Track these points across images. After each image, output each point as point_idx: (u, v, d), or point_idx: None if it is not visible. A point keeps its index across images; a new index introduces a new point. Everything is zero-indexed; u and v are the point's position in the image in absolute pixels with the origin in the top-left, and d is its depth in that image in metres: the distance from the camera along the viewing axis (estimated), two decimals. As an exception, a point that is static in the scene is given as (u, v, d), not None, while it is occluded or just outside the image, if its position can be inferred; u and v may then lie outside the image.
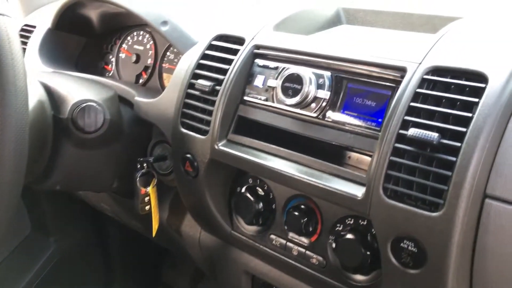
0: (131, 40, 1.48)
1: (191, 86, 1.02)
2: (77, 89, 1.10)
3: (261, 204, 0.96)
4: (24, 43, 1.48)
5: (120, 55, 1.50)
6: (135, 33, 1.47)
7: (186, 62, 1.07)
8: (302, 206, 0.91)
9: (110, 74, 1.51)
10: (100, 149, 1.14)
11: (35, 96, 1.04)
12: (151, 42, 1.42)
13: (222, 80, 0.97)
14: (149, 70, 1.40)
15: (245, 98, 0.96)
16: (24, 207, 1.77)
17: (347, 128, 0.82)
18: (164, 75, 1.38)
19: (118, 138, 1.15)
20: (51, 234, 1.79)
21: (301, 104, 0.86)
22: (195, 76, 1.02)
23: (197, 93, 1.00)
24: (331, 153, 0.86)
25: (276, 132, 0.91)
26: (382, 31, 1.00)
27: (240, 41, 0.99)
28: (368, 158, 0.80)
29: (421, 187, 0.70)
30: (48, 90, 1.09)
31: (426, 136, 0.69)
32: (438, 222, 0.68)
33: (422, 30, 0.96)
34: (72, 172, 1.13)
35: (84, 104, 1.04)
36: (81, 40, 1.53)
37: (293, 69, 0.88)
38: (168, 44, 1.37)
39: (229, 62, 0.98)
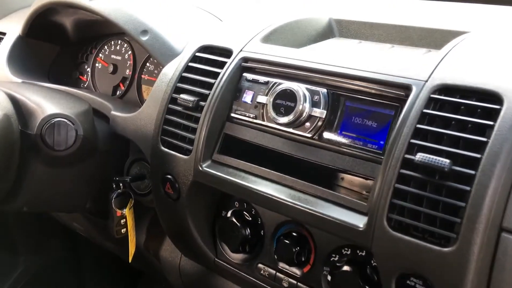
0: (108, 50, 1.39)
1: (172, 101, 0.94)
2: (47, 102, 1.01)
3: (248, 230, 0.88)
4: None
5: (96, 65, 1.41)
6: (112, 42, 1.39)
7: (168, 75, 0.99)
8: (294, 234, 0.83)
9: (85, 85, 1.42)
10: (72, 167, 1.05)
11: (0, 109, 0.95)
12: (130, 52, 1.34)
13: (207, 95, 0.89)
14: (127, 82, 1.32)
15: (232, 115, 0.88)
16: (-11, 224, 1.66)
17: (344, 150, 0.75)
18: (143, 87, 1.30)
19: (92, 155, 1.06)
20: (20, 253, 1.69)
21: (294, 123, 0.78)
22: (178, 90, 0.94)
23: (179, 108, 0.92)
24: (323, 176, 0.79)
25: (265, 152, 0.84)
26: (379, 45, 0.94)
27: (227, 53, 0.92)
28: (364, 181, 0.73)
29: (430, 219, 0.64)
30: (16, 103, 1.00)
31: (436, 162, 0.62)
32: (450, 258, 0.61)
33: (421, 45, 0.90)
34: (41, 192, 1.04)
35: (54, 120, 0.95)
36: (54, 48, 1.45)
37: (285, 84, 0.80)
38: (148, 55, 1.29)
39: (214, 75, 0.90)
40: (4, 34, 1.41)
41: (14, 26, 1.38)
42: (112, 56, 1.38)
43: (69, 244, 1.80)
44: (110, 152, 1.13)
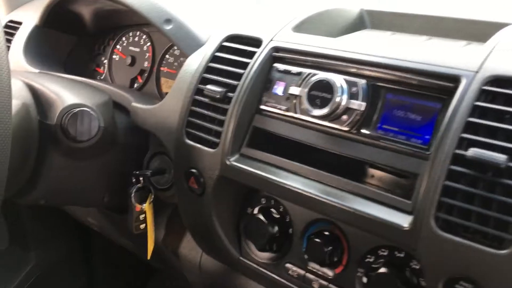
0: (126, 41, 1.35)
1: (198, 92, 0.90)
2: (67, 92, 0.97)
3: (276, 228, 0.84)
4: (8, 41, 1.35)
5: (114, 56, 1.37)
6: (130, 34, 1.35)
7: (193, 65, 0.95)
8: (325, 233, 0.79)
9: (102, 77, 1.39)
10: (91, 160, 1.01)
11: (19, 98, 0.92)
12: (149, 43, 1.30)
13: (235, 86, 0.85)
14: (145, 74, 1.28)
15: (262, 107, 0.84)
16: (1, 218, 1.63)
17: (385, 145, 0.71)
18: (162, 80, 1.26)
19: (111, 148, 1.03)
20: (31, 248, 1.66)
21: (330, 116, 0.74)
22: (204, 81, 0.90)
23: (205, 100, 0.88)
24: (359, 171, 0.75)
25: (297, 147, 0.80)
26: (415, 37, 0.90)
27: (256, 42, 0.88)
28: (406, 177, 0.69)
29: (481, 218, 0.59)
30: (34, 93, 0.96)
31: (491, 158, 0.58)
32: (506, 262, 0.56)
33: (460, 37, 0.86)
34: (58, 185, 1.00)
35: (77, 110, 0.91)
36: (71, 39, 1.40)
37: (321, 75, 0.76)
38: (168, 46, 1.25)
39: (243, 66, 0.86)
40: (20, 23, 1.37)
41: (31, 16, 1.35)
42: (130, 47, 1.34)
43: (81, 240, 1.77)
44: (130, 145, 1.09)
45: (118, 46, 1.37)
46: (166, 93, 1.20)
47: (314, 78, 0.77)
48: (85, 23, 1.36)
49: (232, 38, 0.92)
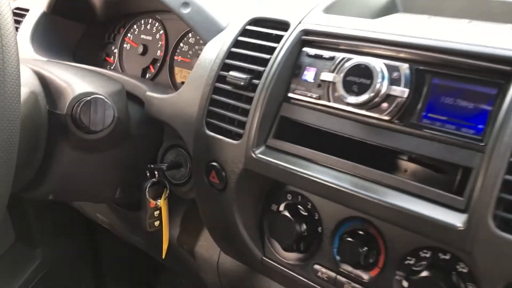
0: (137, 29, 1.29)
1: (220, 79, 0.84)
2: (78, 79, 0.91)
3: (303, 226, 0.78)
4: (15, 29, 1.29)
5: (125, 45, 1.31)
6: (142, 21, 1.29)
7: (213, 51, 0.88)
8: (360, 232, 0.73)
9: (112, 67, 1.33)
10: (103, 152, 0.95)
11: (27, 86, 0.86)
12: (161, 31, 1.24)
13: (261, 73, 0.79)
14: (158, 64, 1.22)
15: (290, 95, 0.77)
16: (6, 213, 1.57)
17: (431, 135, 0.64)
18: (176, 69, 1.19)
19: (124, 140, 0.97)
20: (37, 245, 1.61)
21: (369, 104, 0.67)
22: (226, 67, 0.84)
23: (228, 87, 0.82)
24: (399, 165, 0.69)
25: (329, 137, 0.73)
26: (454, 20, 0.83)
27: (283, 26, 0.81)
28: (455, 171, 0.63)
29: (548, 218, 0.53)
30: (43, 81, 0.91)
31: (561, 149, 0.51)
32: None
33: (505, 20, 0.79)
34: (68, 180, 0.94)
35: (89, 97, 0.85)
36: (80, 27, 1.34)
37: (358, 59, 0.69)
38: (182, 34, 1.18)
39: (270, 50, 0.80)
40: (27, 10, 1.32)
41: (38, 2, 1.29)
42: (142, 36, 1.28)
43: (89, 236, 1.71)
44: (143, 137, 1.03)
45: (129, 35, 1.31)
46: (182, 83, 1.14)
47: (350, 63, 0.70)
48: (95, 10, 1.30)
49: (256, 21, 0.85)
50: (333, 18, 0.78)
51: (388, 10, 0.91)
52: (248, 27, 0.85)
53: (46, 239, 1.62)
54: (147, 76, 1.25)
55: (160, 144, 1.04)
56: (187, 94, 0.89)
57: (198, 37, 1.15)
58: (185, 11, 0.95)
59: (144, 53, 1.25)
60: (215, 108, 0.83)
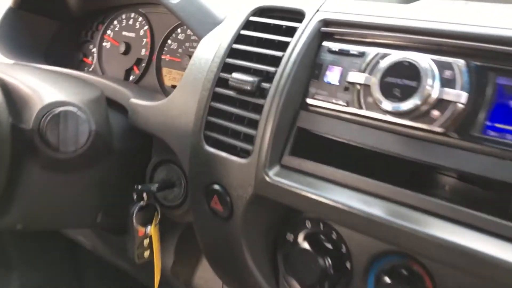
0: (118, 25, 1.14)
1: (220, 82, 0.69)
2: (47, 86, 0.76)
3: (328, 261, 0.63)
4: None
5: (104, 44, 1.16)
6: (123, 16, 1.14)
7: (210, 49, 0.73)
8: (401, 270, 0.58)
9: (91, 69, 1.18)
10: (80, 172, 0.81)
11: (-16, 96, 0.71)
12: (146, 27, 1.09)
13: (272, 74, 0.64)
14: (143, 64, 1.08)
15: (309, 101, 0.62)
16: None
17: (498, 151, 0.50)
18: (164, 70, 1.04)
19: (105, 156, 0.81)
20: (14, 267, 1.47)
21: (415, 112, 0.53)
22: (227, 67, 0.69)
23: (231, 93, 0.67)
24: (455, 190, 0.54)
25: (359, 154, 0.59)
26: (501, 5, 0.69)
27: (296, 15, 0.66)
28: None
29: None
30: (5, 88, 0.76)
31: None
32: None
33: None
34: (39, 205, 0.81)
35: (59, 109, 0.69)
36: (52, 24, 1.20)
37: (398, 55, 0.55)
38: (169, 30, 1.03)
39: (281, 46, 0.65)
40: (-10, 6, 1.16)
41: (3, -4, 1.13)
42: (124, 33, 1.13)
43: (71, 257, 1.56)
44: (127, 152, 0.88)
45: (109, 32, 1.16)
46: (173, 87, 0.99)
47: (388, 60, 0.55)
48: (69, 4, 1.16)
49: (262, 11, 0.70)
50: (357, 4, 0.64)
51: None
52: (252, 18, 0.70)
53: (23, 260, 1.48)
54: (130, 79, 1.10)
55: (148, 159, 0.89)
56: (180, 101, 0.74)
57: (189, 33, 1.01)
58: (174, 1, 0.80)
59: (126, 52, 1.11)
60: (215, 118, 0.68)
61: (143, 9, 1.11)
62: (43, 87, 0.76)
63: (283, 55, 0.63)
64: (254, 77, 0.64)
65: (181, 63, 1.00)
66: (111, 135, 0.81)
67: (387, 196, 0.56)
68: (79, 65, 1.19)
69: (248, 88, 0.64)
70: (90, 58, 1.19)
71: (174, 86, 0.99)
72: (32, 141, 0.72)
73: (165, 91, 1.03)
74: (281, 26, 0.67)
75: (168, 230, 0.90)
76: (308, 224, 0.67)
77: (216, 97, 0.68)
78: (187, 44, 1.02)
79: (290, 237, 0.68)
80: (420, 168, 0.56)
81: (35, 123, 0.71)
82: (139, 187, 0.81)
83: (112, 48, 1.15)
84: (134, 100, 0.82)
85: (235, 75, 0.66)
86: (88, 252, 1.31)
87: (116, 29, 1.15)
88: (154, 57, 1.06)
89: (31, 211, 0.80)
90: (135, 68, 1.10)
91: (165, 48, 1.05)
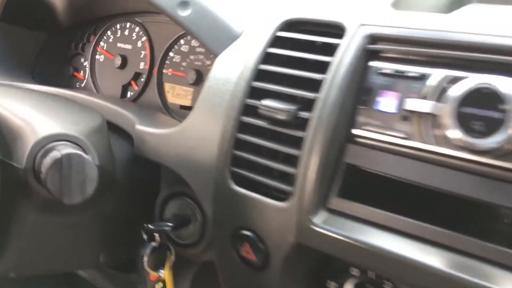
0: (112, 36, 1.04)
1: (248, 110, 0.58)
2: (39, 115, 0.66)
3: (383, 320, 0.54)
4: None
5: (97, 57, 1.06)
6: (118, 26, 1.03)
7: (230, 68, 0.63)
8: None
9: (83, 85, 1.07)
10: (81, 212, 0.69)
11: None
12: (144, 38, 0.99)
13: (310, 101, 0.54)
14: (142, 79, 0.97)
15: (357, 131, 0.53)
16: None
17: None
18: (167, 86, 0.94)
19: (108, 192, 0.71)
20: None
21: (501, 150, 0.44)
22: (255, 92, 0.59)
23: (262, 123, 0.57)
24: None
25: (423, 197, 0.50)
26: None
27: (334, 29, 0.56)
28: None
29: None
30: (-9, 119, 0.64)
31: None
32: None
33: None
34: (34, 251, 0.70)
35: (60, 150, 0.58)
36: (39, 36, 1.09)
37: (474, 80, 0.45)
38: (172, 40, 0.93)
39: (320, 67, 0.55)
40: (-31, 18, 1.04)
41: (-17, 7, 1.01)
42: (119, 44, 1.02)
43: (66, 280, 1.45)
44: (133, 184, 0.77)
45: (102, 43, 1.05)
46: (183, 107, 0.88)
47: (464, 86, 0.46)
48: (57, 14, 1.04)
49: (292, 24, 0.60)
50: (402, 15, 0.54)
51: (459, 1, 0.67)
52: (281, 34, 0.60)
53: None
54: (128, 95, 1.00)
55: (156, 191, 0.79)
56: (197, 130, 0.64)
57: (193, 44, 0.91)
58: (184, 13, 0.69)
59: (123, 66, 1.00)
60: (244, 153, 0.58)
61: (139, 18, 1.00)
62: (35, 116, 0.65)
63: (324, 78, 0.54)
64: (290, 105, 0.54)
65: (186, 78, 0.90)
66: (114, 167, 0.71)
67: (461, 248, 0.47)
68: (70, 81, 1.08)
69: (284, 117, 0.54)
70: (81, 73, 1.08)
71: (184, 107, 0.88)
72: (25, 182, 0.62)
73: (168, 109, 0.93)
74: (316, 43, 0.57)
75: (182, 269, 0.80)
76: (354, 272, 0.57)
77: (244, 127, 0.58)
78: (191, 57, 0.91)
79: (331, 284, 0.59)
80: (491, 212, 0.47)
81: (28, 161, 0.60)
82: (151, 227, 0.71)
83: (106, 61, 1.04)
84: (140, 127, 0.71)
85: (267, 102, 0.56)
86: (87, 282, 1.20)
87: (110, 40, 1.04)
88: (155, 71, 0.96)
89: (25, 257, 0.69)
90: (133, 83, 0.99)
91: (167, 61, 0.95)
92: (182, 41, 0.94)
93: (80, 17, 1.05)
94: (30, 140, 0.61)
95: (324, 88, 0.53)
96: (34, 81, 1.05)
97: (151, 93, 0.97)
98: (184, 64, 0.93)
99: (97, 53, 1.06)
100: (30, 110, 0.67)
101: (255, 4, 0.71)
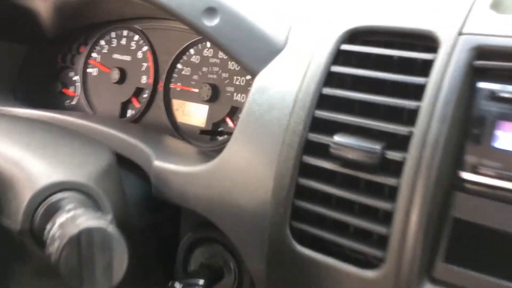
0: (107, 46, 0.91)
1: (311, 148, 0.45)
2: (34, 156, 0.52)
3: None
4: None
5: (89, 70, 0.92)
6: (113, 34, 0.90)
7: (276, 90, 0.50)
8: None
9: (74, 103, 0.92)
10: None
11: None
12: (145, 47, 0.86)
13: (404, 138, 0.41)
14: (145, 95, 0.84)
15: (468, 176, 0.40)
16: None
17: None
18: (175, 103, 0.82)
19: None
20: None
21: None
22: (318, 125, 0.45)
23: (333, 166, 0.44)
24: None
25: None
26: None
27: (424, 40, 0.44)
28: None
29: None
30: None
31: None
32: None
33: None
34: None
35: (62, 198, 0.45)
36: (20, 49, 0.93)
37: None
38: (179, 50, 0.80)
39: (411, 91, 0.42)
40: None
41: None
42: (116, 55, 0.89)
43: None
44: (147, 229, 0.64)
45: (94, 55, 0.92)
46: (203, 133, 0.75)
47: None
48: (39, 23, 0.89)
49: (360, 33, 0.47)
50: (505, 18, 0.42)
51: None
52: (345, 47, 0.47)
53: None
54: (128, 114, 0.86)
55: (176, 235, 0.65)
56: (237, 168, 0.50)
57: (206, 54, 0.78)
58: (211, 22, 0.55)
59: (121, 80, 0.88)
60: (310, 204, 0.45)
61: (139, 25, 0.87)
62: (28, 159, 0.51)
63: (418, 107, 0.41)
64: (372, 143, 0.41)
65: (199, 94, 0.77)
66: (130, 216, 0.58)
67: None
68: (58, 99, 0.94)
69: (366, 160, 0.41)
70: (71, 89, 0.94)
71: (204, 131, 0.74)
72: (21, 244, 0.48)
73: (179, 130, 0.80)
74: (404, 58, 0.44)
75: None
76: None
77: (307, 170, 0.45)
78: (204, 69, 0.78)
79: None
80: None
81: (24, 221, 0.47)
82: (180, 284, 0.58)
83: (100, 75, 0.91)
84: (160, 164, 0.57)
85: (339, 138, 0.43)
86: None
87: (105, 51, 0.90)
88: (160, 86, 0.83)
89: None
90: (134, 100, 0.86)
91: (175, 75, 0.82)
92: (192, 51, 0.81)
93: (68, 25, 0.90)
94: (26, 192, 0.47)
95: (420, 119, 0.40)
96: (16, 101, 0.90)
97: (157, 112, 0.83)
98: (195, 77, 0.80)
99: (89, 66, 0.92)
100: (20, 150, 0.53)
101: (296, 8, 0.58)
